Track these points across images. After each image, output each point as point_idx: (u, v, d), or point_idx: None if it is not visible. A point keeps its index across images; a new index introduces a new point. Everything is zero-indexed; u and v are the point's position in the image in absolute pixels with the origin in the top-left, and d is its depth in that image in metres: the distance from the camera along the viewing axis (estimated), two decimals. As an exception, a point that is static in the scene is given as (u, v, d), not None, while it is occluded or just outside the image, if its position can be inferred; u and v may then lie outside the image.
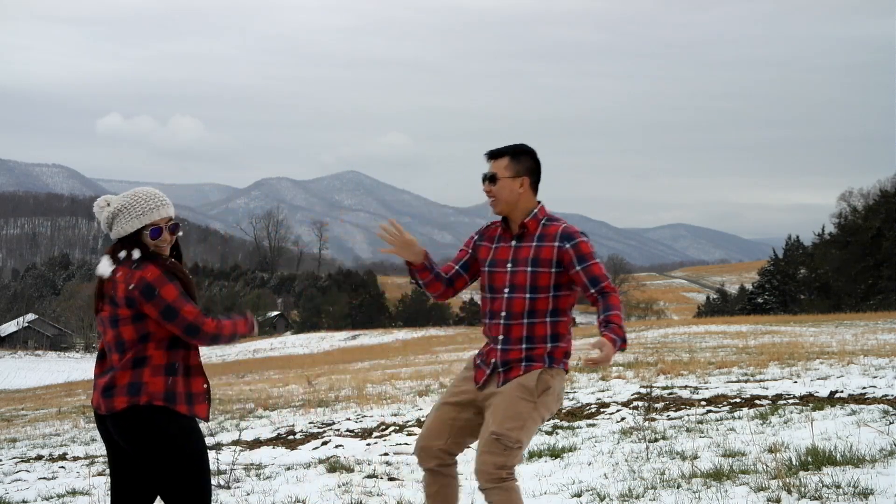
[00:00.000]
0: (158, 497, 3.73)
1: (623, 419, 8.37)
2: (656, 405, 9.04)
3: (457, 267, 4.18)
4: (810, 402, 8.41)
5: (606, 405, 9.36)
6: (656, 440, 7.07)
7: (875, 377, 10.10)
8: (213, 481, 6.48)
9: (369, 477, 6.55)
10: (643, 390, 10.21)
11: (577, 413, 9.07)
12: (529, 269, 3.95)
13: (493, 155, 4.05)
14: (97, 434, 12.41)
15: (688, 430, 7.43)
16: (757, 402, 8.79)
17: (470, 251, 4.19)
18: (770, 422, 7.46)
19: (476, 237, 4.20)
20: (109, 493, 3.85)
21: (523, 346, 3.95)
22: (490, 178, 4.05)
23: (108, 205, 3.70)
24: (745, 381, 10.77)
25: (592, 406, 9.44)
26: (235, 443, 9.31)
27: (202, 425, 5.53)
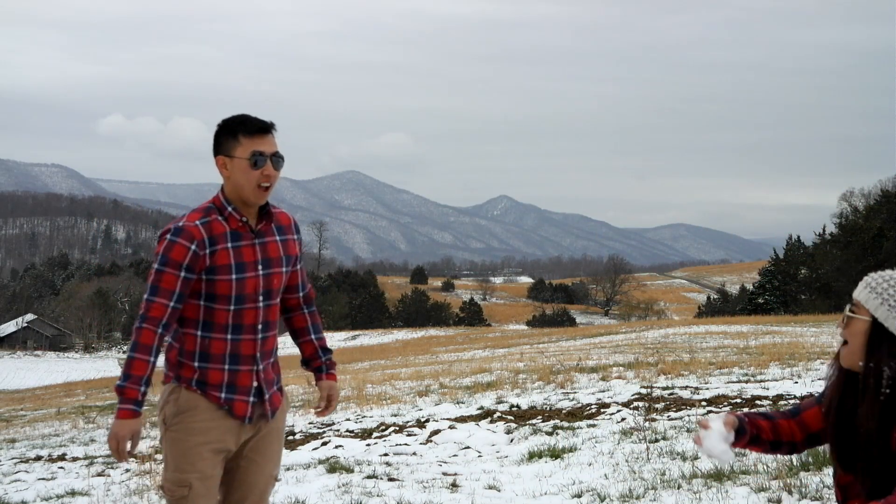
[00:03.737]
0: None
1: (623, 419, 8.34)
2: (657, 405, 9.01)
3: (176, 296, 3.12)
4: (811, 402, 8.38)
5: (607, 405, 9.33)
6: (657, 441, 7.05)
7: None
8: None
9: (369, 477, 6.53)
10: (644, 391, 10.19)
11: (578, 413, 9.04)
12: (284, 269, 3.28)
13: (270, 129, 3.19)
14: (97, 434, 12.43)
15: (688, 431, 7.40)
16: (758, 402, 8.77)
17: (193, 266, 3.11)
18: (771, 422, 7.43)
19: (194, 247, 3.09)
20: None
21: (272, 361, 3.34)
22: (279, 163, 3.20)
23: None
24: (746, 382, 10.75)
25: (593, 406, 9.42)
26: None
27: None
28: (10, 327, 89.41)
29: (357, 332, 77.96)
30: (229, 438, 3.20)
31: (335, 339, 71.48)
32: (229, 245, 3.14)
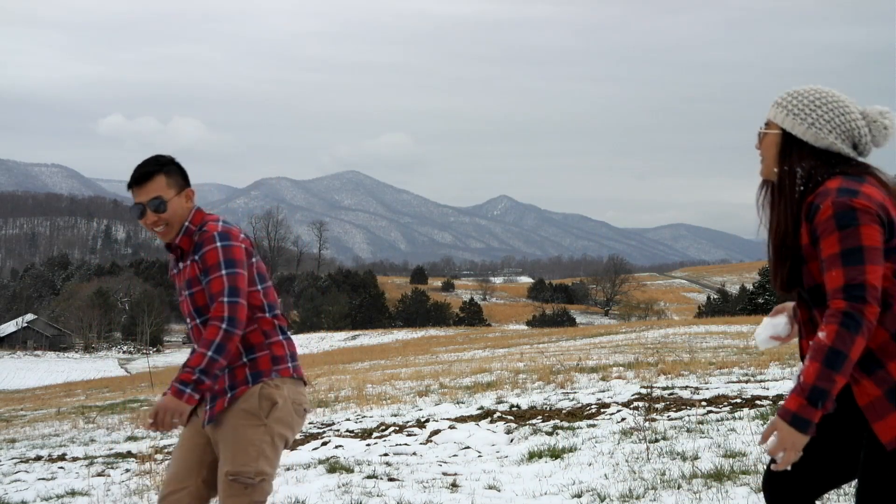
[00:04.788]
0: None
1: (623, 419, 8.34)
2: (657, 405, 9.02)
3: None
4: (811, 402, 8.38)
5: (607, 405, 9.33)
6: (657, 441, 7.05)
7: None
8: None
9: (369, 477, 6.53)
10: (644, 391, 10.19)
11: (578, 413, 9.05)
12: (199, 288, 3.41)
13: (144, 178, 3.38)
14: (97, 434, 12.44)
15: (688, 431, 7.41)
16: (758, 402, 8.77)
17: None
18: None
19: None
20: None
21: (229, 371, 3.45)
22: (156, 207, 3.38)
23: None
24: (746, 382, 10.75)
25: (593, 406, 9.42)
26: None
27: None
28: (10, 327, 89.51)
29: (357, 332, 77.94)
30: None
31: (335, 339, 71.49)
32: (173, 272, 3.62)
